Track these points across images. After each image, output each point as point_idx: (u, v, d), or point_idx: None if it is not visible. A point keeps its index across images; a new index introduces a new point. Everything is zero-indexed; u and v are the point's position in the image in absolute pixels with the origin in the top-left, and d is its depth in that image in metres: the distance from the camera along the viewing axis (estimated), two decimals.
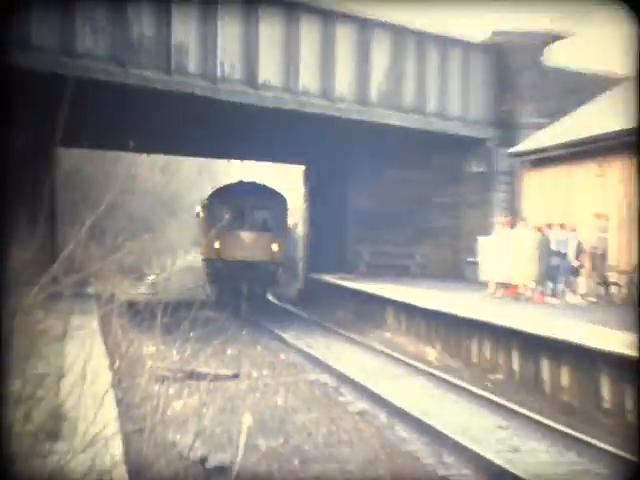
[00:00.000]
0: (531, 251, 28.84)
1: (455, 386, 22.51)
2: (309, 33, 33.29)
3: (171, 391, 16.82)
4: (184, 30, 29.96)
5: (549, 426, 17.90)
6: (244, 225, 40.86)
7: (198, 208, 53.76)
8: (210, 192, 47.46)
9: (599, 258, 28.94)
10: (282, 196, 45.29)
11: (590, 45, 48.45)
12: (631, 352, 17.86)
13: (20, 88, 16.65)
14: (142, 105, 31.43)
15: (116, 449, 9.35)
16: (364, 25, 34.84)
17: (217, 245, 40.14)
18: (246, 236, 40.65)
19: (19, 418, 7.72)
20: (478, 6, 57.32)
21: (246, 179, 47.94)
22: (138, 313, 18.60)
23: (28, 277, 7.09)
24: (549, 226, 29.90)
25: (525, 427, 18.29)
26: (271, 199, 43.69)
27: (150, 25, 29.32)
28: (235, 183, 46.82)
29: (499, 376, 23.53)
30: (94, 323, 21.04)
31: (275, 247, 40.95)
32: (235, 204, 41.22)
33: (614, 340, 19.29)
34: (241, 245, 40.32)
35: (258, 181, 48.39)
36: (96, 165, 47.88)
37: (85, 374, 9.56)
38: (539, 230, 29.43)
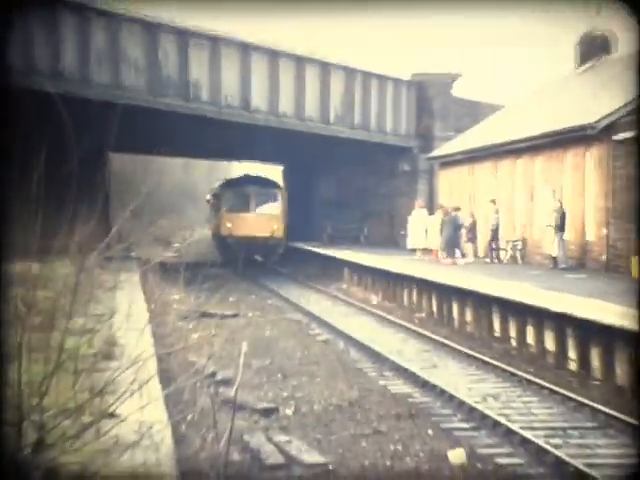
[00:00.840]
0: (440, 227, 29.00)
1: (391, 322, 22.63)
2: (286, 74, 33.52)
3: (190, 326, 16.89)
4: (199, 71, 30.46)
5: (457, 349, 18.09)
6: (250, 209, 38.87)
7: (208, 196, 53.07)
8: (221, 183, 45.22)
9: (493, 231, 29.15)
10: (279, 185, 43.06)
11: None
12: (514, 296, 18.06)
13: (84, 112, 16.63)
14: (169, 123, 31.51)
15: (152, 367, 9.40)
16: (325, 67, 35.07)
17: (229, 225, 38.46)
18: (251, 217, 38.69)
19: (84, 344, 7.77)
20: (482, 5, 54.67)
21: (251, 173, 46.05)
22: (166, 270, 18.64)
23: (89, 245, 7.12)
24: (453, 209, 30.17)
25: (441, 350, 18.44)
26: (271, 187, 41.18)
27: (175, 68, 29.78)
28: (242, 176, 44.24)
29: (422, 314, 23.67)
30: (136, 277, 21.06)
31: (275, 226, 38.71)
32: (243, 192, 39.31)
33: (501, 287, 19.47)
34: (248, 224, 38.24)
35: (260, 174, 46.67)
36: (137, 165, 47.61)
37: (130, 313, 9.62)
38: (446, 212, 29.51)
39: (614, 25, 29.85)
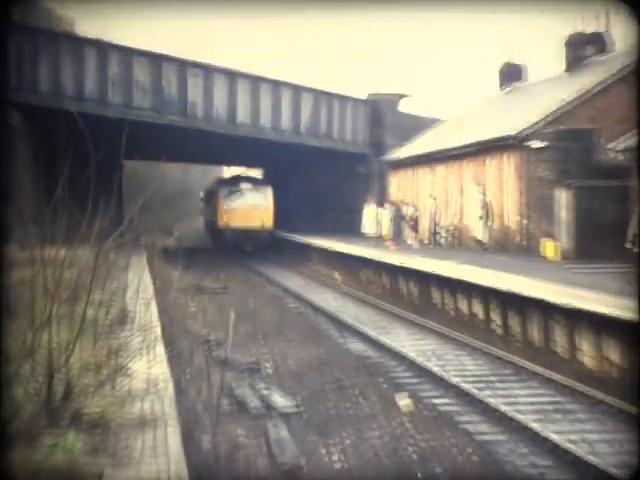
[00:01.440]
0: (388, 217, 29.06)
1: (350, 295, 22.73)
2: (266, 94, 33.43)
3: (188, 298, 16.88)
4: (195, 94, 30.30)
5: (404, 317, 18.21)
6: (244, 203, 37.94)
7: (202, 194, 52.65)
8: (215, 182, 44.46)
9: (433, 220, 29.36)
10: (268, 183, 41.51)
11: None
12: (448, 273, 18.20)
13: (101, 127, 16.55)
14: (170, 135, 31.37)
15: (157, 331, 9.42)
16: (296, 90, 35.02)
17: (225, 217, 37.76)
18: (246, 211, 37.75)
19: (102, 314, 7.76)
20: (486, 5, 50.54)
21: (241, 174, 45.13)
22: (169, 254, 18.56)
23: (106, 234, 7.13)
24: (400, 203, 30.37)
25: (391, 317, 18.55)
26: (261, 185, 40.27)
27: (175, 91, 29.60)
28: (235, 176, 43.53)
29: (377, 289, 23.77)
30: (144, 260, 20.91)
31: (265, 218, 37.90)
32: (237, 189, 38.49)
33: (438, 266, 19.60)
34: (242, 217, 37.43)
35: (250, 174, 45.82)
36: (145, 169, 47.00)
37: (139, 288, 9.60)
38: (393, 205, 29.59)
39: (611, 25, 28.54)
